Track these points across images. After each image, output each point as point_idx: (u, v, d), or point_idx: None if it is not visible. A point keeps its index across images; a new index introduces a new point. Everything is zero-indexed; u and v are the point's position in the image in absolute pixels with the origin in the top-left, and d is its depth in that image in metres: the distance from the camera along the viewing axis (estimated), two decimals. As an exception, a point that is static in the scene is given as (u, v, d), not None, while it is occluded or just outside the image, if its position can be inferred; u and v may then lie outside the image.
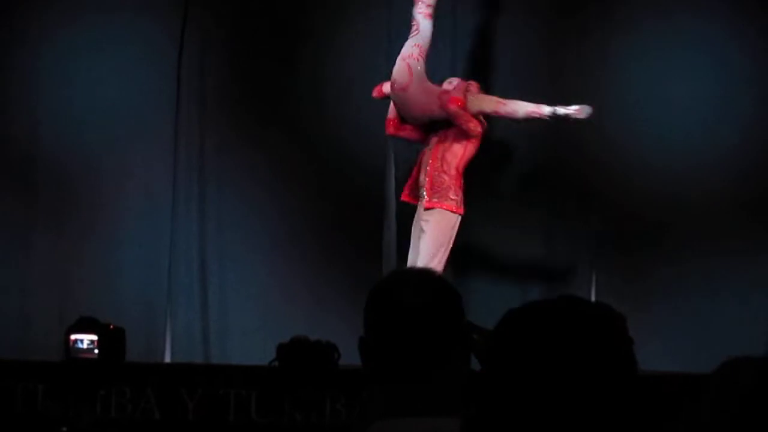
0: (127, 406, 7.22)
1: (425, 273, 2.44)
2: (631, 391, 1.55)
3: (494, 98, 7.64)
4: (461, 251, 7.96)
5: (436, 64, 8.24)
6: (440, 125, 7.63)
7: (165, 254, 8.83)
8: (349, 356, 6.97)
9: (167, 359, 8.68)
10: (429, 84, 7.65)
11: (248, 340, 8.52)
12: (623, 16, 8.50)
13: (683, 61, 8.41)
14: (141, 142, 8.89)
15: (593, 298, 8.37)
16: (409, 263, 7.40)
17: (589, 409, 1.52)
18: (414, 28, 7.73)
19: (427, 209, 7.44)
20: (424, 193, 7.48)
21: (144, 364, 7.97)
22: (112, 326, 6.17)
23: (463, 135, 7.50)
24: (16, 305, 8.82)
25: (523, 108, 7.51)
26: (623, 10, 8.51)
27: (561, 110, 7.49)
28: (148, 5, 8.93)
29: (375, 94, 7.91)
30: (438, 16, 8.07)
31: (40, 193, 8.93)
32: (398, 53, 7.84)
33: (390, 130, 7.84)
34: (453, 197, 7.44)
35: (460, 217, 7.45)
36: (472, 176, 7.71)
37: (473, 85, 7.67)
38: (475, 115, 7.51)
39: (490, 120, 7.70)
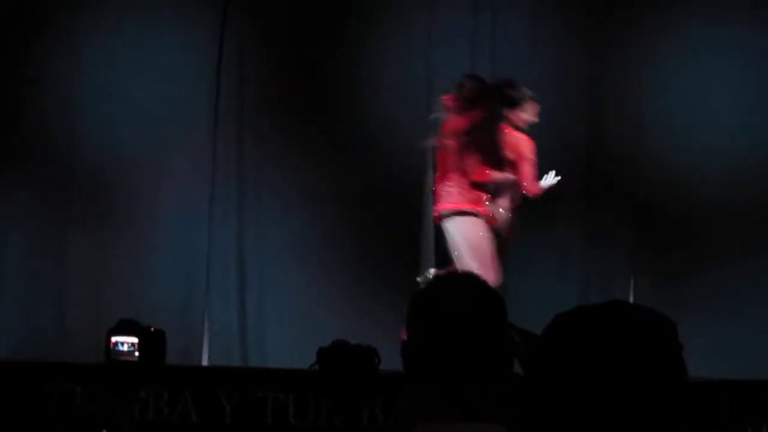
0: (165, 409, 7.23)
1: (468, 277, 2.44)
2: (681, 398, 1.54)
3: None
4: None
5: (473, 68, 8.28)
6: None
7: (203, 257, 8.85)
8: (387, 361, 6.98)
9: (205, 362, 8.70)
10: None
11: (286, 344, 8.53)
12: (662, 23, 8.48)
13: (722, 67, 8.39)
14: (179, 145, 8.92)
15: (632, 301, 8.35)
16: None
17: (638, 415, 1.52)
18: None
19: None
20: None
21: (182, 366, 7.98)
22: (152, 329, 6.18)
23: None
24: (54, 307, 8.86)
25: None
26: (662, 18, 8.49)
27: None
28: (187, 12, 8.96)
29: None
30: (476, 15, 8.11)
31: (78, 196, 8.97)
32: (438, 59, 7.90)
33: None
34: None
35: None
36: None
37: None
38: None
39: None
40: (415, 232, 8.60)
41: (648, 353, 1.54)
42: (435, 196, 7.58)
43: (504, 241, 7.54)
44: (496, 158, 7.46)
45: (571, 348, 1.55)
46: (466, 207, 7.43)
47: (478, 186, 7.43)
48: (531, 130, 7.89)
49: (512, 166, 7.47)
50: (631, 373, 1.52)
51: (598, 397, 1.52)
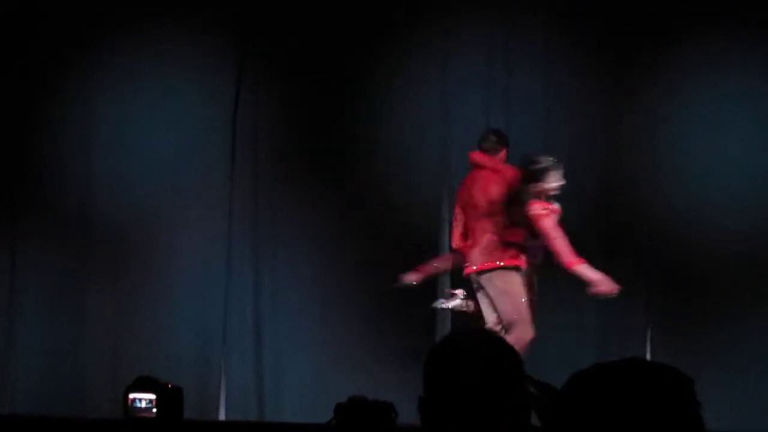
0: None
1: (484, 333, 2.46)
2: None
3: None
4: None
5: (488, 117, 8.34)
6: None
7: (219, 311, 8.86)
8: (404, 415, 6.95)
9: (222, 417, 8.69)
10: None
11: (303, 399, 8.52)
12: (678, 73, 8.50)
13: (742, 115, 8.39)
14: (195, 198, 8.94)
15: (648, 354, 8.33)
16: None
17: None
18: None
19: None
20: None
21: (200, 422, 7.98)
22: (170, 385, 6.19)
23: None
24: (71, 362, 8.86)
25: None
26: (678, 66, 8.52)
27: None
28: (204, 63, 9.01)
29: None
30: (490, 66, 8.17)
31: (94, 250, 8.99)
32: (453, 113, 7.99)
33: None
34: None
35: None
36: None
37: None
38: None
39: None
40: (432, 284, 8.60)
41: (666, 412, 1.55)
42: (466, 253, 7.53)
43: (533, 298, 7.55)
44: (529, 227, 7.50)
45: (589, 406, 1.56)
46: (509, 262, 7.45)
47: (513, 244, 7.46)
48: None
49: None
50: (650, 429, 1.53)
51: None
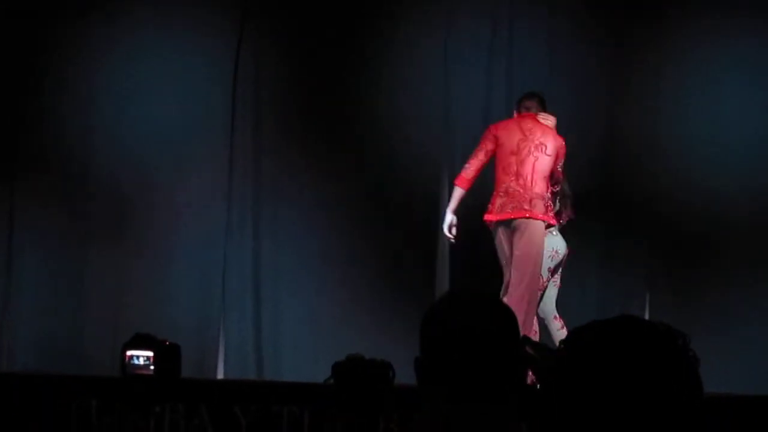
0: (181, 423, 7.24)
1: (479, 293, 2.45)
2: (698, 413, 1.55)
3: None
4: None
5: (484, 84, 8.31)
6: None
7: (219, 271, 8.87)
8: (402, 375, 6.97)
9: (220, 376, 8.71)
10: None
11: (301, 358, 8.54)
12: (681, 38, 8.47)
13: (738, 83, 8.38)
14: (196, 160, 8.94)
15: (647, 318, 8.34)
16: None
17: (653, 429, 1.52)
18: None
19: None
20: None
21: (198, 380, 8.00)
22: (167, 342, 6.19)
23: None
24: (71, 322, 8.88)
25: None
26: (679, 35, 8.49)
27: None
28: (204, 27, 8.98)
29: None
30: (493, 32, 8.15)
31: (94, 209, 8.99)
32: (455, 76, 7.99)
33: None
34: None
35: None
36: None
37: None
38: None
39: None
40: (432, 247, 8.60)
41: (662, 366, 1.55)
42: (518, 197, 7.51)
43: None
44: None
45: (585, 362, 1.57)
46: (552, 221, 7.66)
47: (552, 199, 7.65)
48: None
49: None
50: (646, 387, 1.53)
51: (613, 411, 1.53)
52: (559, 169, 7.70)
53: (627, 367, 1.54)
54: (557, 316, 7.72)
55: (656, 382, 1.54)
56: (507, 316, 2.34)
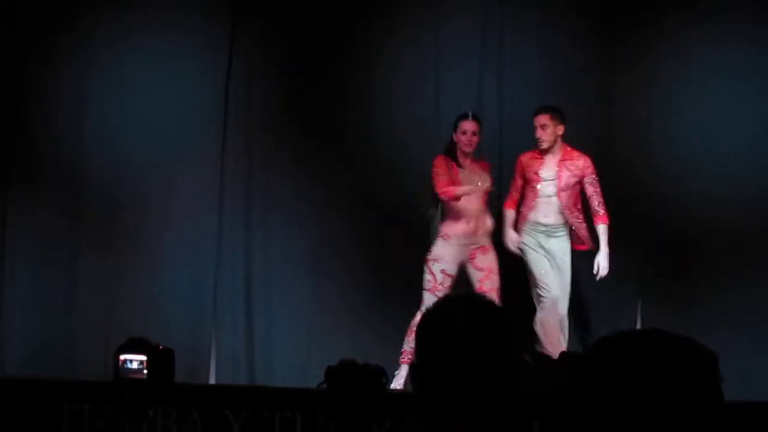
0: (173, 428, 7.23)
1: (475, 298, 2.45)
2: (718, 428, 1.56)
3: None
4: (507, 277, 7.97)
5: (475, 87, 8.32)
6: None
7: (210, 275, 8.87)
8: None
9: (212, 380, 8.70)
10: None
11: (293, 363, 8.53)
12: (673, 43, 8.49)
13: (731, 89, 8.38)
14: (188, 165, 8.94)
15: (639, 326, 8.34)
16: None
17: None
18: None
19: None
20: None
21: (191, 385, 7.99)
22: (161, 347, 6.19)
23: None
24: (64, 326, 8.87)
25: None
26: (671, 38, 8.50)
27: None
28: (196, 32, 8.99)
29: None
30: (484, 33, 8.17)
31: (86, 213, 8.99)
32: (446, 81, 8.02)
33: None
34: None
35: None
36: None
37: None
38: None
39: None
40: (425, 250, 8.60)
41: (691, 383, 1.56)
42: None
43: None
44: None
45: (613, 373, 1.57)
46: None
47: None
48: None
49: None
50: (672, 400, 1.54)
51: (636, 422, 1.53)
52: None
53: (654, 381, 1.55)
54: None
55: (682, 397, 1.55)
56: (503, 321, 2.34)
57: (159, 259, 8.88)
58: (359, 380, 4.49)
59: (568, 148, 8.03)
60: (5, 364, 8.85)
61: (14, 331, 8.88)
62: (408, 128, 8.62)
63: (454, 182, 7.99)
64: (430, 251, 7.93)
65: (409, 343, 7.63)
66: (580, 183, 8.00)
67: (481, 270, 7.89)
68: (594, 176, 7.99)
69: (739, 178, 8.30)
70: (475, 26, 8.78)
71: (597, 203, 7.98)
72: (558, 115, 7.98)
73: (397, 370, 7.72)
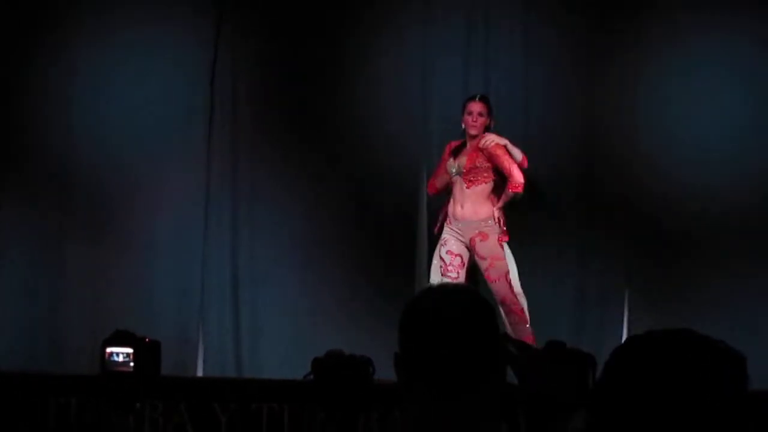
0: (160, 420, 7.23)
1: (459, 288, 2.44)
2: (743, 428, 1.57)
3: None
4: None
5: (462, 80, 8.31)
6: None
7: (197, 268, 8.86)
8: (382, 372, 6.96)
9: (199, 373, 8.70)
10: None
11: (280, 355, 8.53)
12: (659, 35, 8.49)
13: (718, 79, 8.38)
14: (174, 159, 8.92)
15: (626, 316, 8.36)
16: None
17: None
18: None
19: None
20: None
21: (177, 377, 7.99)
22: (147, 339, 6.18)
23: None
24: (50, 319, 8.86)
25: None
26: (657, 30, 8.50)
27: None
28: (181, 27, 8.97)
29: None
30: (469, 26, 8.16)
31: (74, 207, 8.97)
32: (433, 73, 8.02)
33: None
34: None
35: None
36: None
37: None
38: None
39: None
40: (410, 243, 8.61)
41: (719, 383, 1.57)
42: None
43: None
44: None
45: (642, 371, 1.58)
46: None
47: None
48: (526, 145, 7.95)
49: None
50: (700, 401, 1.55)
51: (664, 418, 1.54)
52: None
53: (685, 381, 1.56)
54: None
55: (711, 398, 1.55)
56: (486, 309, 2.33)
57: (146, 253, 8.86)
58: (346, 371, 4.48)
59: None
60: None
61: (1, 325, 8.86)
62: (395, 123, 8.60)
63: (437, 174, 8.03)
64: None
65: None
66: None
67: (483, 258, 7.84)
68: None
69: (727, 168, 8.31)
70: (461, 21, 8.77)
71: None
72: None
73: (385, 360, 7.70)
